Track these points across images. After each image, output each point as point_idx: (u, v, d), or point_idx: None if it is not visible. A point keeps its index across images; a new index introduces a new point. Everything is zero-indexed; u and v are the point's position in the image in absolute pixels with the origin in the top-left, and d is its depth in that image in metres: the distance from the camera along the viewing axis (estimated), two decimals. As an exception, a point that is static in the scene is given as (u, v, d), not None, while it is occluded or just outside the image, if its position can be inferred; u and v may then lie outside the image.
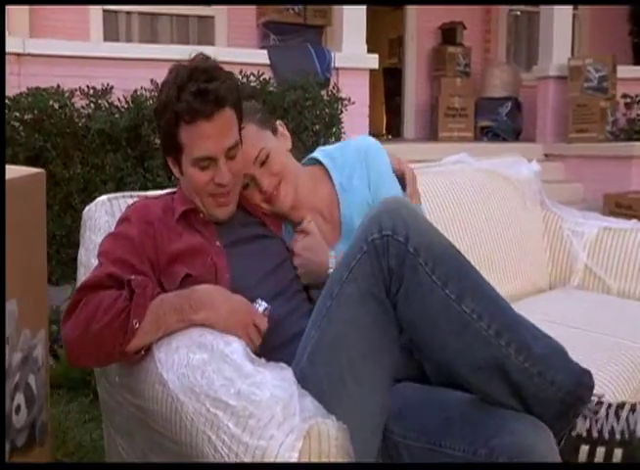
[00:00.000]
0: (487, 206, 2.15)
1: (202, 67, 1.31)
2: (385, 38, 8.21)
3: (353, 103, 4.29)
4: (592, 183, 4.95)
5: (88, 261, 1.39)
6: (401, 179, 1.62)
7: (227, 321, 1.17)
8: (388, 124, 8.07)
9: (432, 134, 6.24)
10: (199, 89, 1.27)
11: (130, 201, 1.44)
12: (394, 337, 1.12)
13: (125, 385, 1.22)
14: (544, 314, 1.72)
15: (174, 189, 1.48)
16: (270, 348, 1.27)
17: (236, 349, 1.02)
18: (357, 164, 1.54)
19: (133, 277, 1.19)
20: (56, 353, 2.57)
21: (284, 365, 1.03)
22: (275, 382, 0.94)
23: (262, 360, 1.07)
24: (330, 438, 0.91)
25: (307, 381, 1.07)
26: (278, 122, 1.55)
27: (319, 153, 1.61)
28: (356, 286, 1.09)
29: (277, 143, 1.51)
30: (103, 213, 1.42)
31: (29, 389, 1.30)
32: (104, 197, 1.45)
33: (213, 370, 0.99)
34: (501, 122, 6.11)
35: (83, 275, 1.41)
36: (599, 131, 5.14)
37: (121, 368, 1.23)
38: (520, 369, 1.05)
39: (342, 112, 4.28)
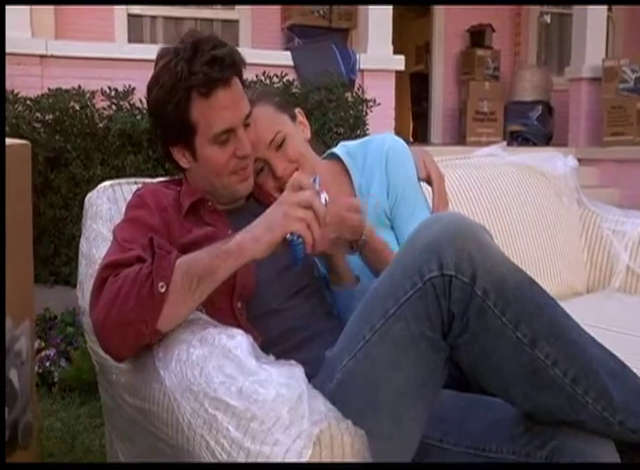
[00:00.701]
0: (521, 202, 2.02)
1: (203, 37, 1.22)
2: (411, 45, 8.11)
3: (379, 105, 4.19)
4: (628, 188, 4.76)
5: (89, 252, 1.30)
6: (428, 182, 1.49)
7: (269, 219, 1.03)
8: (415, 131, 7.94)
9: (459, 139, 6.10)
10: (213, 57, 1.18)
11: (135, 187, 1.35)
12: (443, 372, 0.99)
13: (123, 384, 1.12)
14: (582, 318, 1.59)
15: (180, 177, 1.38)
16: (286, 348, 1.17)
17: (240, 342, 0.90)
18: (377, 166, 1.41)
19: (155, 238, 1.07)
20: (69, 356, 2.50)
21: (294, 362, 0.91)
22: (282, 380, 0.83)
23: (271, 358, 0.95)
24: (344, 444, 0.79)
25: (335, 407, 0.93)
26: (297, 110, 1.44)
27: (340, 149, 1.49)
28: (406, 326, 0.94)
29: (295, 130, 1.40)
30: (105, 200, 1.33)
31: (10, 385, 1.19)
32: (106, 183, 1.36)
33: (213, 367, 0.88)
34: (531, 127, 5.94)
35: (85, 267, 1.32)
36: (635, 134, 4.95)
37: (119, 365, 1.12)
38: (598, 418, 0.93)
39: (367, 114, 4.17)
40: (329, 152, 1.50)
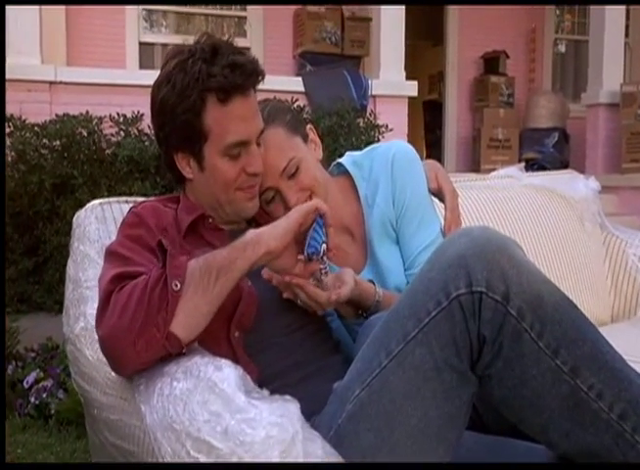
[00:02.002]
0: (539, 226, 1.90)
1: (222, 41, 1.14)
2: (424, 74, 8.10)
3: (391, 130, 4.13)
4: (649, 216, 4.63)
5: (76, 275, 1.21)
6: (439, 196, 1.39)
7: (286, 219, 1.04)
8: (429, 159, 7.87)
9: (474, 167, 6.01)
10: (234, 61, 1.10)
11: (125, 206, 1.26)
12: (467, 411, 0.88)
13: (104, 419, 1.02)
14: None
15: (177, 194, 1.29)
16: (287, 383, 1.08)
17: (227, 375, 0.80)
18: (382, 173, 1.31)
19: (164, 240, 1.02)
20: (66, 386, 2.40)
21: (289, 398, 0.81)
22: (273, 419, 0.72)
23: (265, 392, 0.85)
24: (344, 495, 0.68)
25: (344, 444, 0.86)
26: (308, 127, 1.35)
27: (347, 159, 1.40)
28: (428, 352, 0.84)
29: (307, 152, 1.30)
30: (93, 220, 1.24)
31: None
32: (95, 201, 1.28)
33: (198, 402, 0.78)
34: (547, 154, 5.84)
35: (71, 292, 1.23)
36: (656, 160, 4.84)
37: (100, 398, 1.02)
38: None
39: (379, 139, 4.11)
40: (335, 162, 1.41)
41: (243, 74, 1.11)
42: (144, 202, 1.26)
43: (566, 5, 6.76)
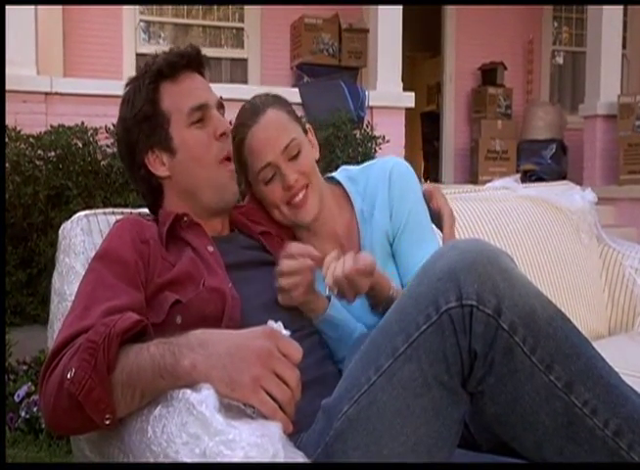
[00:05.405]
0: (535, 238, 1.89)
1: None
2: (423, 85, 8.12)
3: (388, 142, 4.11)
4: (647, 227, 4.62)
5: (61, 288, 1.19)
6: (436, 217, 1.37)
7: (232, 358, 0.81)
8: (427, 170, 7.88)
9: (471, 178, 6.00)
10: (172, 49, 1.22)
11: (112, 218, 1.25)
12: (458, 430, 0.86)
13: (85, 437, 0.99)
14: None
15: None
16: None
17: (205, 397, 0.77)
18: (380, 187, 1.30)
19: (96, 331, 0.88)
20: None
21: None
22: (252, 440, 0.70)
23: (248, 410, 0.82)
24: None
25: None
26: (307, 126, 1.35)
27: (341, 174, 1.39)
28: (418, 368, 0.82)
29: (307, 143, 1.29)
30: (79, 232, 1.22)
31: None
32: (81, 213, 1.26)
33: (176, 424, 0.75)
34: (545, 166, 5.83)
35: (56, 305, 1.21)
36: (653, 172, 4.83)
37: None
38: None
39: (376, 151, 4.09)
40: (328, 176, 1.39)
41: (178, 55, 1.20)
42: (129, 215, 1.25)
43: (564, 5, 6.77)
